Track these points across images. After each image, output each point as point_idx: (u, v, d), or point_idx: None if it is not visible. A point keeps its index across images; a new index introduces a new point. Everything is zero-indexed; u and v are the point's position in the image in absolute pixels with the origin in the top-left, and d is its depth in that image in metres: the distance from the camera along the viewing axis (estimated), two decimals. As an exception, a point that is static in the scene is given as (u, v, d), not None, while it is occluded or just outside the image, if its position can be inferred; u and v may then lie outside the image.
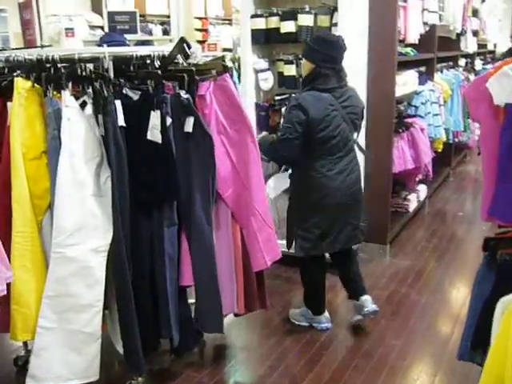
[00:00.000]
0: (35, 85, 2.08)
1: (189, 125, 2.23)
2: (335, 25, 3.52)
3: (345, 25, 3.42)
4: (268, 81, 3.85)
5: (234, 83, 2.52)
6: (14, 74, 2.13)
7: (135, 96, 2.21)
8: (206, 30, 11.12)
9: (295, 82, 3.78)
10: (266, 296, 2.82)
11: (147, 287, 2.33)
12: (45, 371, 2.17)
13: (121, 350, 2.36)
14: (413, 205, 4.80)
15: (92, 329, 2.18)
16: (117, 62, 2.23)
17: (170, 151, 2.18)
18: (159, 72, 2.18)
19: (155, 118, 2.14)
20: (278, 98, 3.86)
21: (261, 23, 3.73)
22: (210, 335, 2.85)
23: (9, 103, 2.05)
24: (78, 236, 2.08)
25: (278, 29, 3.69)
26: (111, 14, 5.23)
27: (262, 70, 3.83)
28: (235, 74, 2.72)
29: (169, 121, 2.19)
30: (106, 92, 2.10)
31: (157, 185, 2.20)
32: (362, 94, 3.45)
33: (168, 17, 11.06)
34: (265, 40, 3.76)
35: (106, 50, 2.17)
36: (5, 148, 2.06)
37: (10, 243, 2.06)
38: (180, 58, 2.25)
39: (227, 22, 11.64)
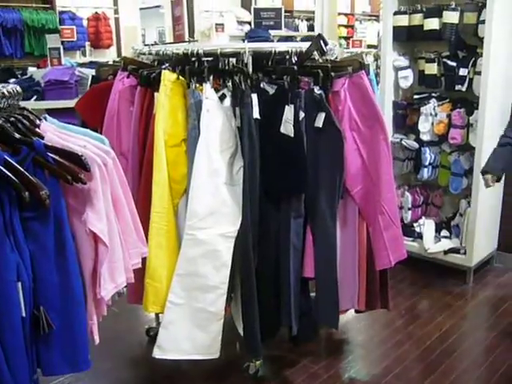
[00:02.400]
0: (180, 77, 2.23)
1: (320, 120, 2.28)
2: (482, 22, 3.37)
3: (494, 23, 3.26)
4: (408, 79, 3.78)
5: (370, 80, 2.52)
6: (163, 66, 2.31)
7: (271, 90, 2.30)
8: (351, 27, 11.06)
9: (436, 80, 3.68)
10: (389, 296, 2.79)
11: (271, 275, 2.42)
12: (171, 344, 2.34)
13: (240, 331, 2.47)
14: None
15: (216, 308, 2.31)
16: (256, 57, 2.32)
17: (301, 145, 2.25)
18: (295, 68, 2.24)
19: (289, 112, 2.21)
20: (417, 96, 3.78)
21: (403, 20, 3.66)
22: (328, 328, 2.89)
23: (156, 94, 2.23)
24: (209, 220, 2.22)
25: (420, 26, 3.61)
26: (257, 11, 5.42)
27: (402, 68, 3.76)
28: (372, 71, 2.70)
29: (301, 115, 2.25)
30: (244, 86, 2.20)
31: (287, 177, 2.27)
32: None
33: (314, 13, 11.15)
34: (407, 37, 3.69)
35: (247, 46, 2.27)
36: (150, 134, 2.24)
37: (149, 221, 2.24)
38: (316, 55, 2.30)
39: (374, 18, 11.48)
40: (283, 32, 5.78)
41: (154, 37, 10.50)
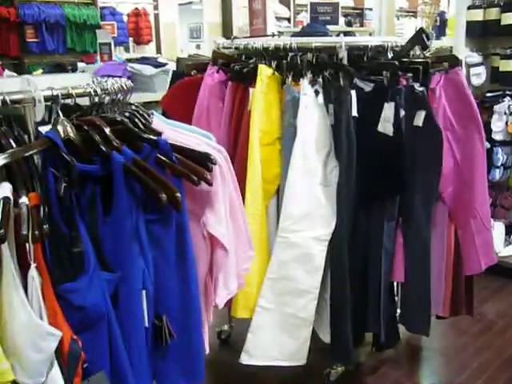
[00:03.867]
0: (275, 72, 2.14)
1: (419, 118, 2.17)
2: None
3: None
4: (480, 76, 3.64)
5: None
6: (250, 60, 2.22)
7: (366, 87, 2.19)
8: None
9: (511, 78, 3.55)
10: (474, 302, 2.68)
11: (360, 280, 2.32)
12: (258, 349, 2.25)
13: (324, 338, 2.38)
14: None
15: (306, 314, 2.22)
16: (349, 52, 2.22)
17: (400, 145, 2.14)
18: (396, 63, 2.13)
19: (388, 110, 2.11)
20: (490, 94, 3.64)
21: (478, 15, 3.53)
22: (406, 334, 2.78)
23: (251, 89, 2.13)
24: (304, 223, 2.12)
25: (497, 21, 3.47)
26: (313, 5, 5.29)
27: (475, 65, 3.63)
28: None
29: (402, 113, 2.14)
30: (342, 81, 2.10)
31: (385, 178, 2.17)
32: None
33: (354, 9, 11.14)
34: (481, 33, 3.56)
35: (343, 40, 2.17)
36: (243, 132, 2.15)
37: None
38: (417, 49, 2.19)
39: (411, 14, 11.32)
40: (340, 27, 5.66)
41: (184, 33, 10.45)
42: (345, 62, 2.18)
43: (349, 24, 11.68)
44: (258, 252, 2.20)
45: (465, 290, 2.59)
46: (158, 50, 9.10)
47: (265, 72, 2.10)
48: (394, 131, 2.11)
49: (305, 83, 2.10)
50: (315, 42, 2.20)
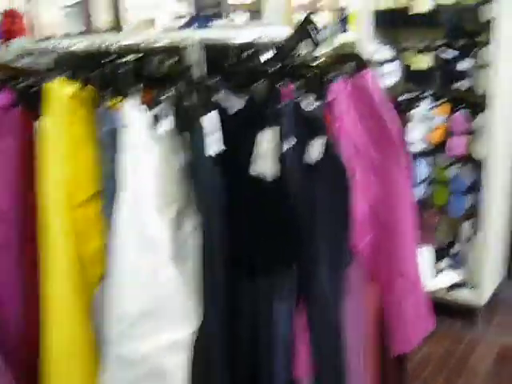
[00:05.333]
0: (83, 90, 1.34)
1: (314, 150, 1.44)
2: (483, 2, 2.63)
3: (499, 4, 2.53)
4: (393, 74, 3.01)
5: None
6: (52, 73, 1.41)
7: (234, 106, 1.45)
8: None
9: (429, 76, 2.93)
10: None
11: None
12: None
13: None
14: None
15: None
16: (207, 53, 1.47)
17: (285, 193, 1.40)
18: (274, 69, 1.40)
19: (264, 141, 1.37)
20: (405, 96, 3.02)
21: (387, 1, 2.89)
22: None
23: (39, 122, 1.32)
24: (146, 324, 1.34)
25: (405, 9, 2.84)
26: (196, -1, 4.47)
27: (386, 61, 2.98)
28: None
29: (286, 145, 1.40)
30: (191, 101, 1.34)
31: (265, 244, 1.43)
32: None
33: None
34: (390, 23, 2.91)
35: (194, 36, 1.42)
36: (30, 193, 1.33)
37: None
38: (303, 47, 1.47)
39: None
40: (228, 22, 4.88)
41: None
42: (201, 67, 1.43)
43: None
44: (78, 374, 1.41)
45: (396, 371, 1.92)
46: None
47: (59, 91, 1.30)
48: (274, 174, 1.38)
49: (131, 106, 1.32)
50: (153, 39, 1.43)
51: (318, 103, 1.43)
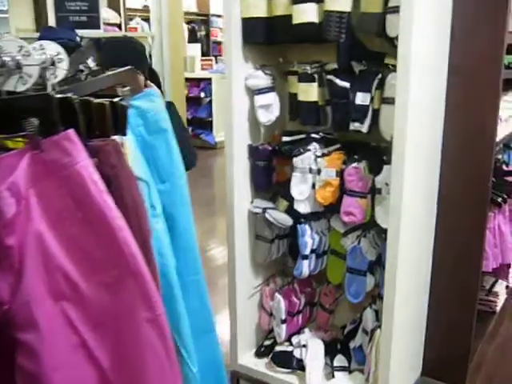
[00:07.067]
0: None
1: None
2: (393, 10, 1.85)
3: (410, 12, 1.75)
4: (271, 109, 2.20)
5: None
6: None
7: None
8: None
9: (317, 112, 2.13)
10: None
11: None
12: None
13: None
14: (501, 300, 3.08)
15: None
16: None
17: None
18: None
19: None
20: (287, 138, 2.21)
21: (259, 7, 2.07)
22: None
23: None
24: None
25: (288, 17, 2.02)
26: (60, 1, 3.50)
27: (261, 91, 2.17)
28: (156, 93, 1.15)
29: None
30: None
31: None
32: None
33: (198, 15, 9.70)
34: (266, 37, 2.10)
35: None
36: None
37: None
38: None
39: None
40: (103, 32, 3.90)
41: None
42: None
43: (192, 32, 10.22)
44: None
45: None
46: None
47: None
48: None
49: None
50: None
51: None
